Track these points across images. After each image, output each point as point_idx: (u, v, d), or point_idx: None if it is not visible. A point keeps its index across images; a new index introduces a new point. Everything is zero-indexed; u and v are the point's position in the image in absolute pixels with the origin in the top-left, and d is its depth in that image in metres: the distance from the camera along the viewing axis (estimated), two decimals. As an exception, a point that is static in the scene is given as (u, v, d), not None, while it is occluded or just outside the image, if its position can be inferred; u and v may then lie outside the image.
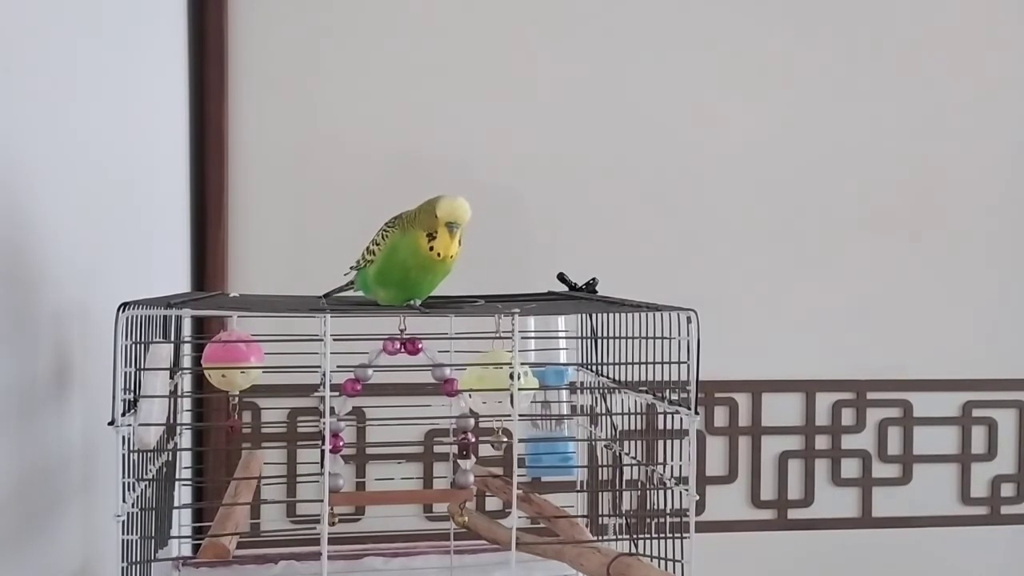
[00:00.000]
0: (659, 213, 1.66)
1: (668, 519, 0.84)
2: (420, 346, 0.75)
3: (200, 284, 1.52)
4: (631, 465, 0.91)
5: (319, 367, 0.73)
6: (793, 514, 1.72)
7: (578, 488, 1.07)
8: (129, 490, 0.74)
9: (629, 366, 0.87)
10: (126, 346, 0.73)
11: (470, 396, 0.78)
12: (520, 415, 0.77)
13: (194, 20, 1.51)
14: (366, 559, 1.01)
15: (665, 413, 0.83)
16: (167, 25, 1.39)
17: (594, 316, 1.02)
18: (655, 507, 0.86)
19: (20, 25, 0.75)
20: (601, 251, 1.61)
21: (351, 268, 0.90)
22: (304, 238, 1.59)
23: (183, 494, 1.20)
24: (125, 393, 0.73)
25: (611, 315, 0.95)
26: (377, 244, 0.84)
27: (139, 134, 1.18)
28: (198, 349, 0.95)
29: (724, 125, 1.68)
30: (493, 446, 0.80)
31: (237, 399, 0.89)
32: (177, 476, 0.97)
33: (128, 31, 1.12)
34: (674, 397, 0.81)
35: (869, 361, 1.72)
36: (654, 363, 0.81)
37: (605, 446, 0.99)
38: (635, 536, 0.92)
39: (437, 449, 1.58)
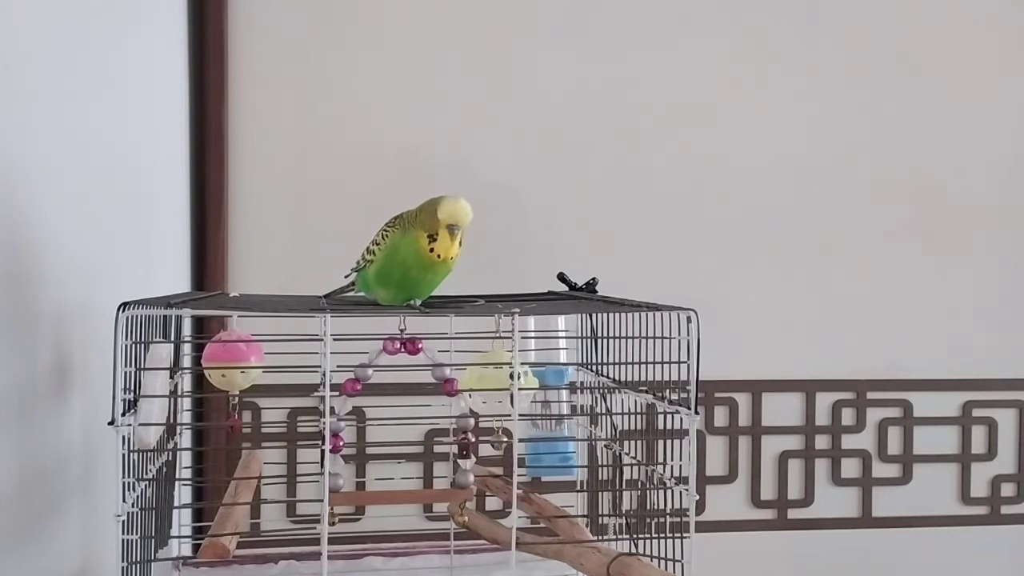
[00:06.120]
0: (659, 213, 1.66)
1: (668, 519, 0.84)
2: (420, 346, 0.75)
3: (200, 284, 1.52)
4: (631, 465, 0.92)
5: (319, 367, 0.73)
6: (793, 514, 1.72)
7: (578, 488, 1.07)
8: (129, 490, 0.74)
9: (629, 366, 0.87)
10: (126, 346, 0.73)
11: (470, 396, 0.78)
12: (520, 415, 0.77)
13: (194, 20, 1.51)
14: (366, 559, 1.01)
15: (665, 413, 0.83)
16: (167, 25, 1.39)
17: (594, 316, 1.02)
18: (655, 507, 0.86)
19: (20, 25, 0.75)
20: (601, 251, 1.61)
21: (352, 271, 0.90)
22: (304, 238, 1.59)
23: (183, 494, 1.20)
24: (125, 393, 0.73)
25: (611, 315, 0.95)
26: (377, 244, 0.84)
27: (139, 134, 1.18)
28: (198, 349, 0.95)
29: (725, 125, 1.68)
30: (493, 446, 0.80)
31: (237, 399, 0.89)
32: (177, 476, 0.97)
33: (128, 31, 1.12)
34: (674, 397, 0.81)
35: (869, 361, 1.72)
36: (654, 363, 0.82)
37: (605, 446, 0.99)
38: (635, 536, 0.92)
39: (437, 449, 1.58)
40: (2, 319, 0.72)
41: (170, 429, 0.90)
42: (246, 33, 1.56)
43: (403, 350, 0.75)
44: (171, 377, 0.85)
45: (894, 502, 1.74)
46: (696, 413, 0.78)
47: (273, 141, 1.57)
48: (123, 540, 0.72)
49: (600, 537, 0.99)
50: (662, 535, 0.85)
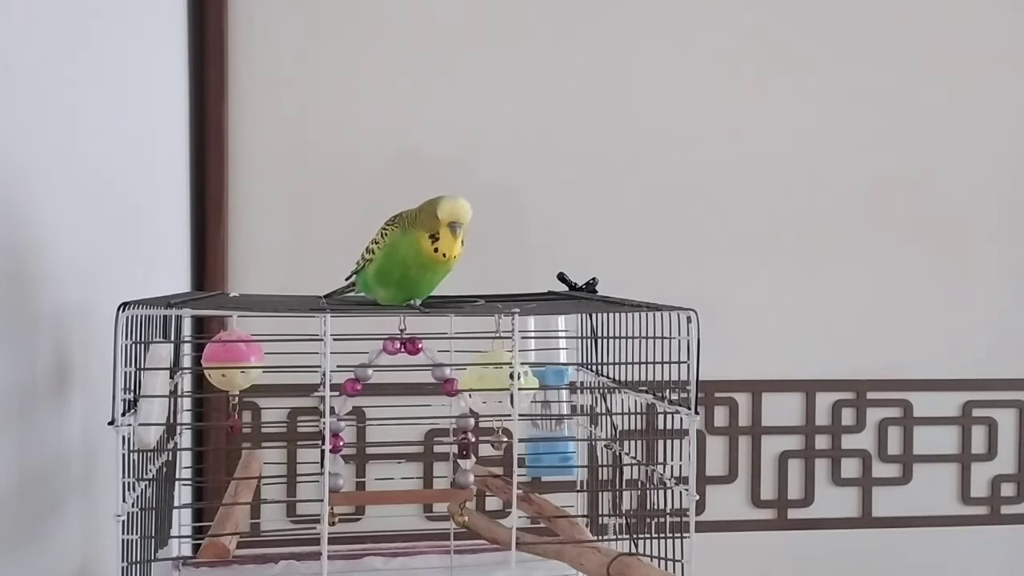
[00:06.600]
0: (659, 213, 1.66)
1: (668, 519, 0.84)
2: (420, 346, 0.75)
3: (200, 284, 1.52)
4: (631, 465, 0.92)
5: (319, 367, 0.73)
6: (793, 514, 1.72)
7: (578, 488, 1.07)
8: (129, 490, 0.74)
9: (629, 366, 0.87)
10: (126, 346, 0.73)
11: (470, 396, 0.78)
12: (520, 415, 0.77)
13: (194, 20, 1.51)
14: (366, 559, 1.01)
15: (665, 413, 0.83)
16: (167, 25, 1.39)
17: (594, 316, 1.02)
18: (655, 507, 0.86)
19: (20, 25, 0.75)
20: (601, 251, 1.61)
21: (352, 272, 0.90)
22: (304, 238, 1.59)
23: (183, 494, 1.20)
24: (125, 393, 0.73)
25: (611, 315, 0.95)
26: (377, 243, 0.84)
27: (139, 134, 1.18)
28: (198, 349, 0.95)
29: (725, 125, 1.68)
30: (493, 446, 0.80)
31: (237, 399, 0.89)
32: (177, 476, 0.97)
33: (128, 31, 1.12)
34: (674, 397, 0.81)
35: (869, 361, 1.72)
36: (654, 363, 0.81)
37: (605, 446, 0.99)
38: (635, 536, 0.92)
39: (437, 449, 1.58)
40: (2, 319, 0.72)
41: (170, 429, 0.90)
42: (246, 33, 1.56)
43: (403, 350, 0.75)
44: (171, 377, 0.85)
45: (894, 502, 1.74)
46: (696, 413, 0.78)
47: (273, 141, 1.57)
48: (123, 540, 0.72)
49: (600, 537, 0.99)
50: (662, 535, 0.85)
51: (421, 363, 0.76)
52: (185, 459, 1.08)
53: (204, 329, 1.13)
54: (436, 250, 0.80)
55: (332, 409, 0.73)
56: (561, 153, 1.63)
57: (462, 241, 0.80)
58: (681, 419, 0.80)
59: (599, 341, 1.00)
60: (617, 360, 0.92)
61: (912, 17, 1.72)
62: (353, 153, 1.59)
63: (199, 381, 1.18)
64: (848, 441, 1.73)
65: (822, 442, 1.73)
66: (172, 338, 0.91)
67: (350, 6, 1.59)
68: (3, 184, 0.72)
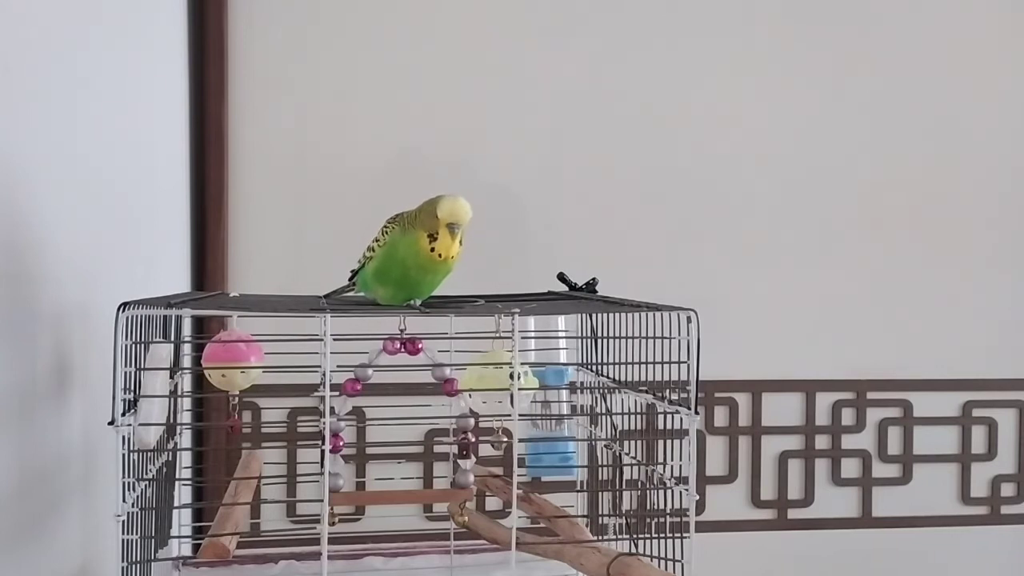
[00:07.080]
0: (659, 213, 1.66)
1: (668, 519, 0.84)
2: (420, 346, 0.75)
3: (200, 284, 1.52)
4: (631, 465, 0.92)
5: (319, 367, 0.73)
6: (793, 514, 1.72)
7: (578, 488, 1.07)
8: (129, 490, 0.74)
9: (629, 366, 0.87)
10: (126, 346, 0.73)
11: (470, 396, 0.78)
12: (520, 415, 0.77)
13: (194, 20, 1.51)
14: (366, 559, 1.01)
15: (665, 413, 0.83)
16: (167, 25, 1.39)
17: (594, 316, 1.02)
18: (655, 507, 0.86)
19: (20, 25, 0.75)
20: (601, 251, 1.61)
21: (353, 271, 0.90)
22: (304, 238, 1.59)
23: (183, 494, 1.20)
24: (125, 393, 0.73)
25: (611, 315, 0.95)
26: (377, 242, 0.84)
27: (139, 133, 1.18)
28: (198, 349, 0.95)
29: (725, 125, 1.67)
30: (493, 446, 0.80)
31: (237, 399, 0.89)
32: (177, 476, 0.97)
33: (128, 31, 1.12)
34: (674, 397, 0.81)
35: (869, 361, 1.72)
36: (654, 363, 0.82)
37: (605, 446, 0.99)
38: (635, 536, 0.92)
39: (437, 449, 1.58)
40: (2, 319, 0.72)
41: (170, 429, 0.90)
42: (246, 33, 1.56)
43: (403, 350, 0.75)
44: (171, 377, 0.85)
45: (894, 502, 1.74)
46: (696, 413, 0.78)
47: (273, 141, 1.57)
48: (123, 540, 0.72)
49: (600, 537, 0.99)
50: (662, 535, 0.85)
51: (421, 363, 0.76)
52: (185, 459, 1.08)
53: (204, 329, 1.13)
54: (433, 250, 0.80)
55: (332, 409, 0.73)
56: (561, 153, 1.64)
57: (460, 241, 0.80)
58: (681, 419, 0.80)
59: (599, 341, 1.00)
60: (617, 360, 0.92)
61: (912, 17, 1.72)
62: (353, 153, 1.59)
63: (199, 381, 1.18)
64: (848, 441, 1.73)
65: (822, 442, 1.73)
66: (172, 338, 0.91)
67: (350, 7, 1.59)
68: (3, 184, 0.72)
